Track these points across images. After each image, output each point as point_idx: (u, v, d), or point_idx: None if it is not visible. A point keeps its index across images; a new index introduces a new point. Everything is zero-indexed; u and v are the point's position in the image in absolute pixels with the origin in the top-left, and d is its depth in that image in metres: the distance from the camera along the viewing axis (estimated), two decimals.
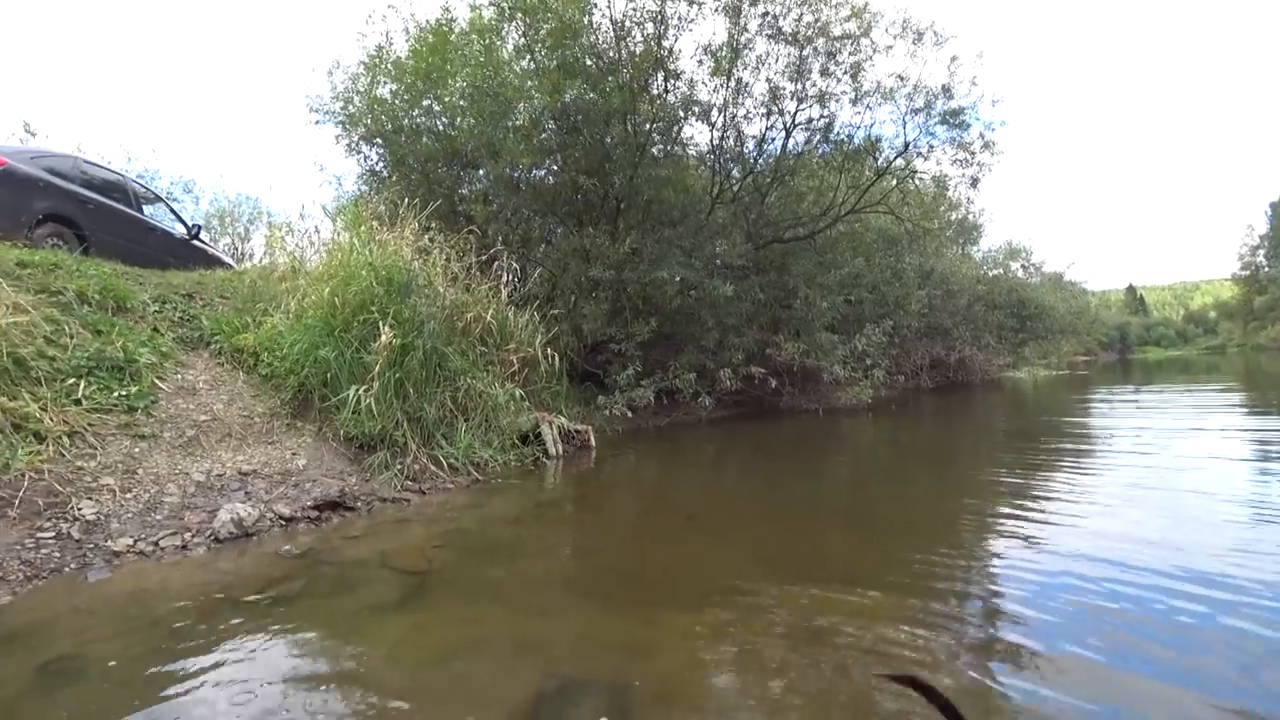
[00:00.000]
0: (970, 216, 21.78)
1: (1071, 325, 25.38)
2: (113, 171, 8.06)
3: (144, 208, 8.10)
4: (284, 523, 3.89)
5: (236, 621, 2.50)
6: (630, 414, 8.83)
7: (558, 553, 3.96)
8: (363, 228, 6.54)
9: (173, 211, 9.17)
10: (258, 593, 2.78)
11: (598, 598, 3.17)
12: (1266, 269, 57.05)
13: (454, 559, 3.52)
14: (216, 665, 2.17)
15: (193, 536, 3.50)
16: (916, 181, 13.34)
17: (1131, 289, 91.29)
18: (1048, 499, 4.68)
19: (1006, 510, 4.54)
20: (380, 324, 5.31)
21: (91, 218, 6.96)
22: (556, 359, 7.38)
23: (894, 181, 12.31)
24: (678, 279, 9.35)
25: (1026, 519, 4.21)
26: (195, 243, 8.70)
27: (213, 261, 8.62)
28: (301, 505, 4.11)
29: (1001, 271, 23.71)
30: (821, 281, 11.72)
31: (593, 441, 7.04)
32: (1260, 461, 5.70)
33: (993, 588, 3.08)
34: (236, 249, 19.19)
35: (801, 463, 7.36)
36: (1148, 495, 4.65)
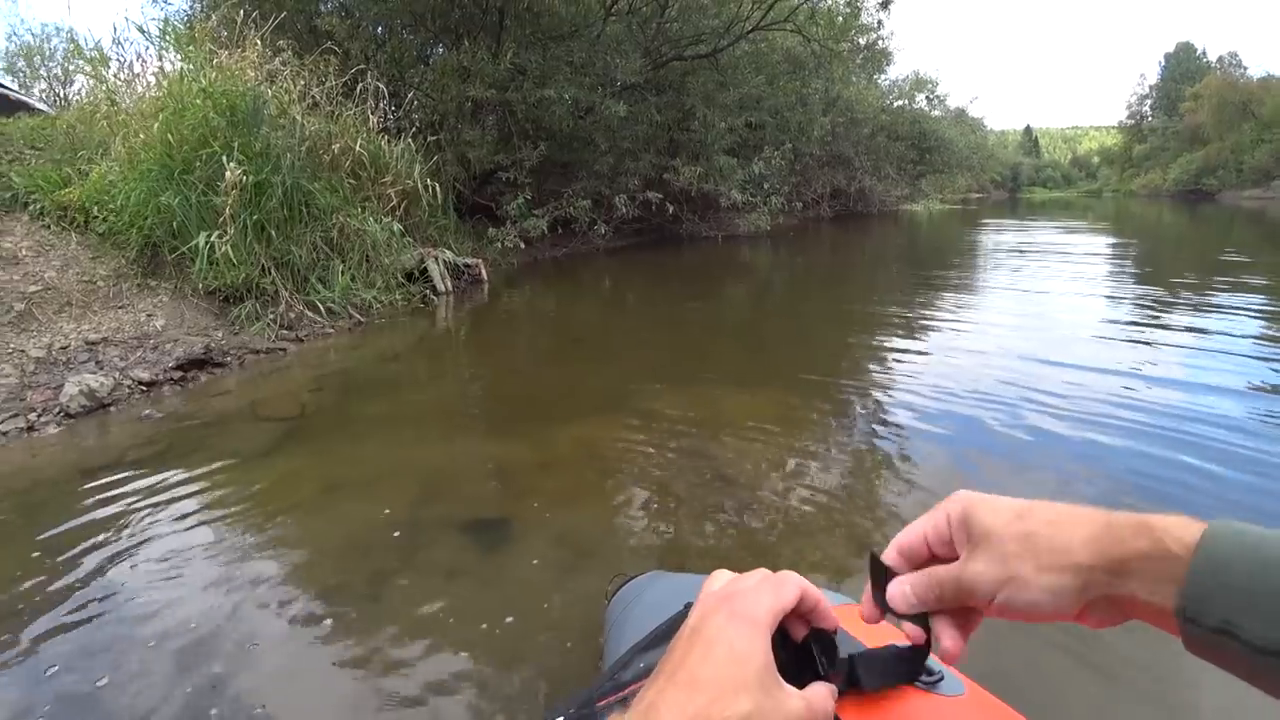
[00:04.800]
0: (880, 42, 20.89)
1: (969, 160, 25.84)
2: None
3: None
4: (145, 388, 3.64)
5: (93, 492, 2.36)
6: (525, 246, 8.56)
7: (441, 385, 3.96)
8: (191, 48, 5.62)
9: None
10: (116, 460, 2.64)
11: (479, 424, 3.23)
12: (1150, 119, 58.16)
13: (330, 401, 3.45)
14: (75, 537, 2.06)
15: (39, 416, 3.23)
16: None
17: (1029, 130, 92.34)
18: (930, 321, 5.11)
19: (895, 323, 5.05)
20: (225, 160, 4.74)
21: None
22: (439, 191, 6.91)
23: None
24: (567, 98, 8.70)
25: (912, 335, 4.64)
26: None
27: (15, 108, 7.30)
28: (163, 368, 3.86)
29: (906, 103, 23.39)
30: (721, 101, 11.22)
31: (485, 275, 6.82)
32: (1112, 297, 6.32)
33: (872, 391, 3.44)
34: (55, 95, 16.20)
35: (698, 288, 7.51)
36: (1017, 317, 5.20)
